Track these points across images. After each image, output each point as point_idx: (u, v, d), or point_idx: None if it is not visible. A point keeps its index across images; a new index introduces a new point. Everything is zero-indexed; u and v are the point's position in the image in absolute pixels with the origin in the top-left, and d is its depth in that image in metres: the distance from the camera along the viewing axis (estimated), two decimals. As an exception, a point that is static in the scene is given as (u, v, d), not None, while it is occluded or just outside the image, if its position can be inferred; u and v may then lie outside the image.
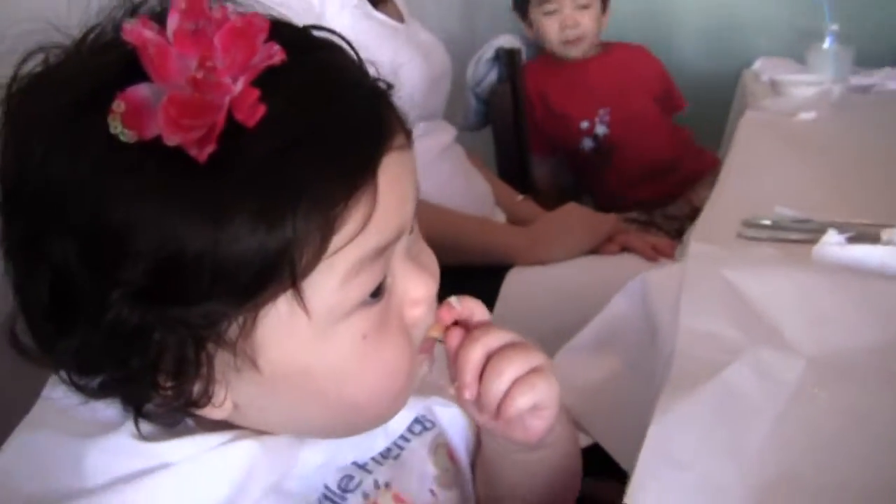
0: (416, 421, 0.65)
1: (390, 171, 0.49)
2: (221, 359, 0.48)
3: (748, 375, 0.59)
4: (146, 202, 0.43)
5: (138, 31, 0.44)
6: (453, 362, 0.58)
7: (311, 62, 0.49)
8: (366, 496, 0.59)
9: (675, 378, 0.59)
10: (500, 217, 1.48)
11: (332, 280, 0.48)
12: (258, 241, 0.44)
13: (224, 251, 0.44)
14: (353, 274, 0.48)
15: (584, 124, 2.11)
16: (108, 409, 0.51)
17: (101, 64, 0.46)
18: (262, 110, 0.44)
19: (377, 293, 0.51)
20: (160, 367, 0.47)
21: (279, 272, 0.45)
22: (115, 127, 0.43)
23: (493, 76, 1.96)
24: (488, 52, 1.95)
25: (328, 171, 0.46)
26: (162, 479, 0.50)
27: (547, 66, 2.15)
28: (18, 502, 0.50)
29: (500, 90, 1.93)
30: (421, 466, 0.64)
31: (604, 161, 2.12)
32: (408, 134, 0.53)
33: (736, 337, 0.64)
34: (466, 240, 1.31)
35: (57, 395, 0.52)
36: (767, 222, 1.02)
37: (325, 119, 0.46)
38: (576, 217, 1.39)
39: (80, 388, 0.49)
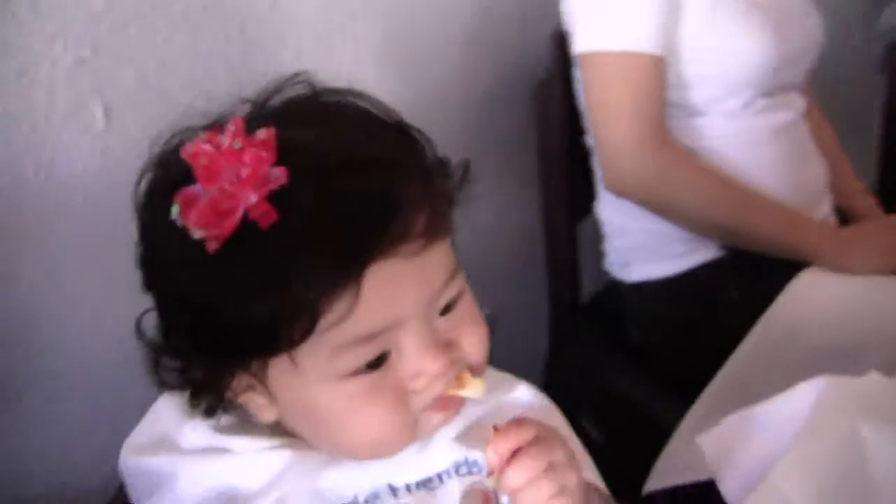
0: (465, 462, 0.72)
1: (381, 277, 0.60)
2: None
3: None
4: (185, 271, 0.61)
5: (195, 147, 0.60)
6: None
7: (327, 181, 0.59)
8: None
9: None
10: (825, 203, 1.44)
11: (322, 351, 0.61)
12: (256, 313, 0.59)
13: (230, 316, 0.60)
14: (339, 351, 0.61)
15: None
16: None
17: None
18: (273, 217, 0.57)
19: (376, 365, 0.63)
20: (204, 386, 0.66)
21: (276, 339, 0.60)
22: (175, 212, 0.59)
23: (905, 29, 1.81)
24: (907, 2, 1.80)
25: (315, 271, 0.58)
26: (221, 460, 0.69)
27: None
28: (142, 438, 0.72)
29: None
30: None
31: None
32: (430, 235, 0.62)
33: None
34: (768, 231, 1.31)
35: None
36: None
37: (321, 230, 0.58)
38: (892, 233, 1.32)
39: (162, 383, 0.68)
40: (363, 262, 0.59)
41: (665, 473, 1.17)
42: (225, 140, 0.60)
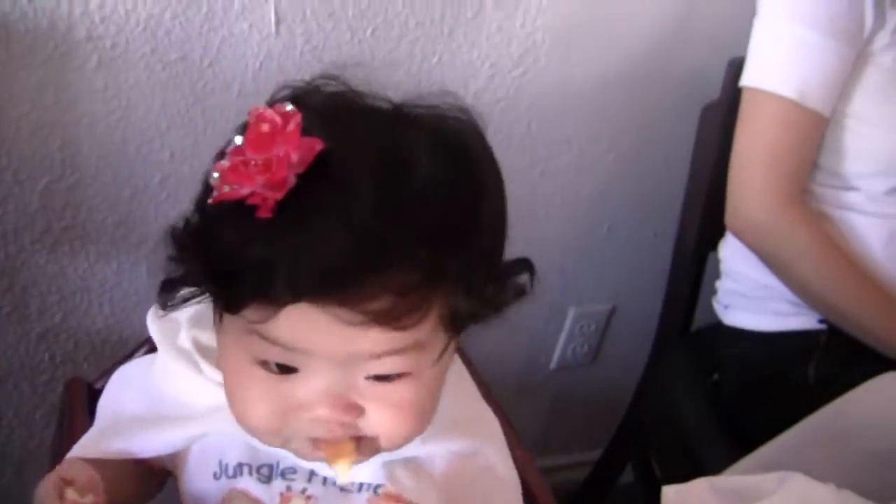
0: (377, 488, 0.75)
1: (302, 313, 0.60)
2: None
3: None
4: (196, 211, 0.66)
5: (263, 112, 0.61)
6: None
7: (310, 225, 0.59)
8: (288, 489, 0.74)
9: None
10: None
11: (241, 324, 0.64)
12: (211, 269, 0.63)
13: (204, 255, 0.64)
14: (252, 334, 0.63)
15: None
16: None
17: None
18: (266, 213, 0.58)
19: (285, 371, 0.65)
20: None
21: (217, 295, 0.64)
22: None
23: None
24: None
25: (248, 278, 0.60)
26: (185, 371, 0.77)
27: None
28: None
29: None
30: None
31: None
32: (377, 321, 0.60)
33: None
34: (873, 326, 1.27)
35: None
36: None
37: (273, 250, 0.59)
38: None
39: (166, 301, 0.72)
40: (283, 299, 0.60)
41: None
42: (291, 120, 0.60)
